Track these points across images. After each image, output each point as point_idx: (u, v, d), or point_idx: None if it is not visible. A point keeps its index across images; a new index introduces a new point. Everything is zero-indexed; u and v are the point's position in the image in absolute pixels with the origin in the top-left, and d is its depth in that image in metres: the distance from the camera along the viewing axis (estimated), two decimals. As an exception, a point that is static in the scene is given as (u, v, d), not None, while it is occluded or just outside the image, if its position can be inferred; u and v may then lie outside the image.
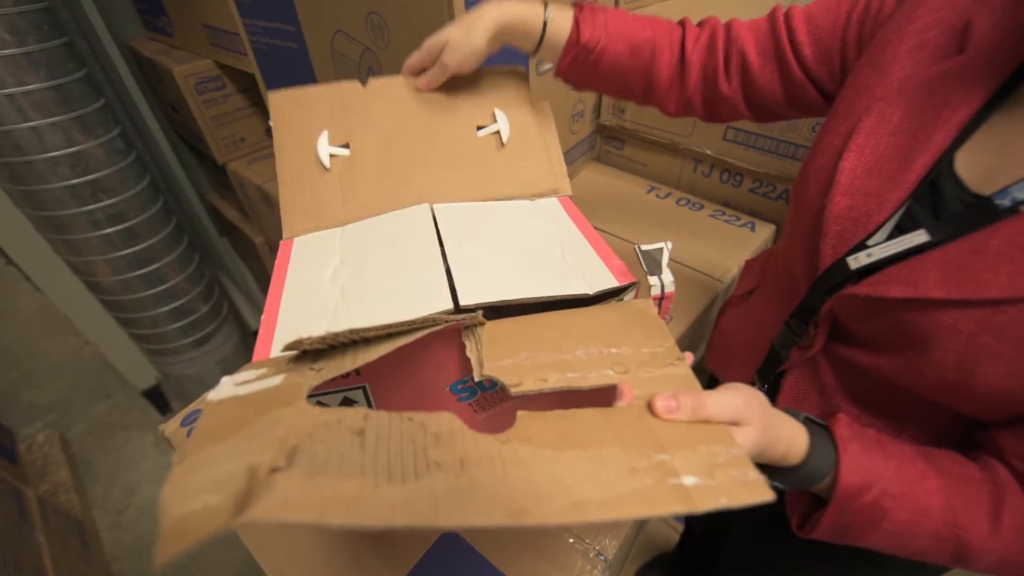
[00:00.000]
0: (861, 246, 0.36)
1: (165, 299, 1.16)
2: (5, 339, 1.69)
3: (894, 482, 0.33)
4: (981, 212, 0.31)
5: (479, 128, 0.52)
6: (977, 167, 0.33)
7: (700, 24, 0.49)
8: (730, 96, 0.48)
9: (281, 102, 0.51)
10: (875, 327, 0.35)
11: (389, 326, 0.30)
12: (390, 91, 0.51)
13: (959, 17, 0.35)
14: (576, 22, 0.47)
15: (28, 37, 0.81)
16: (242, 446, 0.22)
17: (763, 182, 0.86)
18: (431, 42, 0.48)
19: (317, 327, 0.36)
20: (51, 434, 1.38)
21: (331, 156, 0.49)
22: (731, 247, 0.82)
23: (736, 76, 0.47)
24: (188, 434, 0.45)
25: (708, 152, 0.88)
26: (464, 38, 0.46)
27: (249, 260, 1.46)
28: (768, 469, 0.34)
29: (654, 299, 0.39)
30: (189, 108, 1.08)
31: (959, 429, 0.37)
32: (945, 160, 0.34)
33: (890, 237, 0.35)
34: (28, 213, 0.98)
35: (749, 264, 0.62)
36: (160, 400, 1.51)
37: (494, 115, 0.53)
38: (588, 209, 0.51)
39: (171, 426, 0.44)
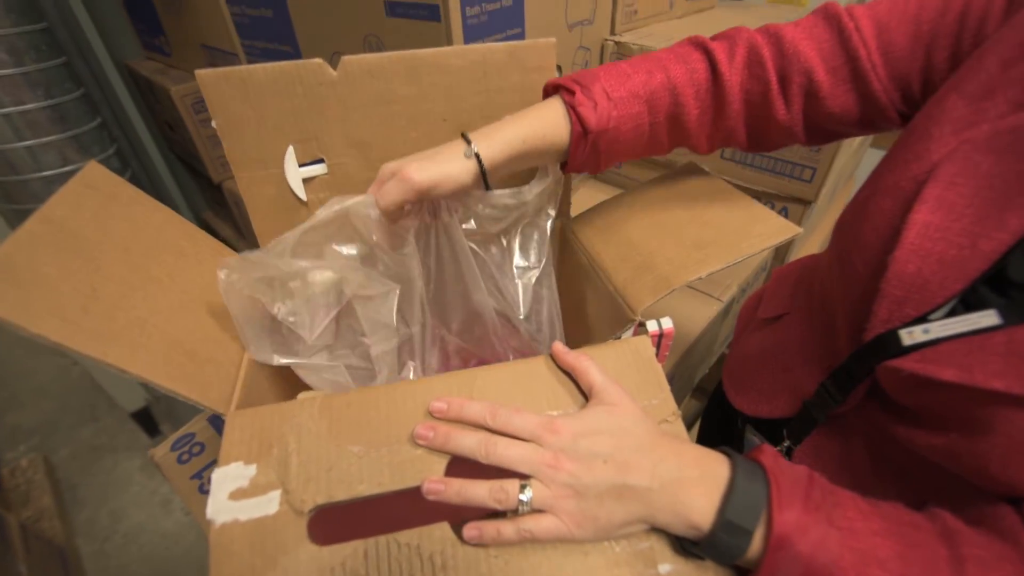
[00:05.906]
0: (919, 319, 0.30)
1: (157, 319, 1.14)
2: (-9, 360, 1.66)
3: (837, 521, 0.27)
4: None
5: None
6: None
7: (724, 38, 0.40)
8: (787, 122, 0.39)
9: (219, 90, 0.38)
10: (920, 401, 0.31)
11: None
12: (369, 83, 0.41)
13: None
14: (571, 109, 0.38)
15: (26, 57, 0.81)
16: None
17: (760, 200, 0.86)
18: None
19: None
20: (35, 458, 1.35)
21: (304, 181, 0.41)
22: (730, 266, 0.82)
23: (799, 100, 0.38)
24: (178, 459, 0.43)
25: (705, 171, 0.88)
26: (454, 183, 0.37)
27: (243, 279, 1.45)
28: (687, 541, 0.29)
29: (652, 337, 0.37)
30: (186, 127, 1.08)
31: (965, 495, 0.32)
32: None
33: (952, 311, 0.29)
34: (19, 232, 0.97)
35: (780, 278, 0.55)
36: (149, 423, 1.48)
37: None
38: (588, 228, 0.50)
39: (161, 451, 0.43)
